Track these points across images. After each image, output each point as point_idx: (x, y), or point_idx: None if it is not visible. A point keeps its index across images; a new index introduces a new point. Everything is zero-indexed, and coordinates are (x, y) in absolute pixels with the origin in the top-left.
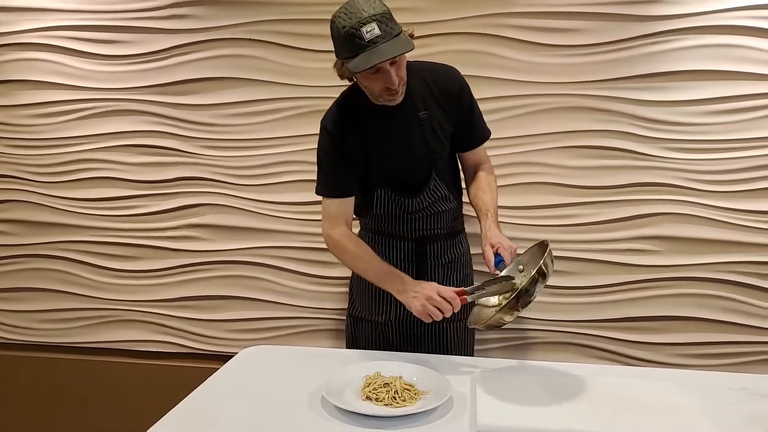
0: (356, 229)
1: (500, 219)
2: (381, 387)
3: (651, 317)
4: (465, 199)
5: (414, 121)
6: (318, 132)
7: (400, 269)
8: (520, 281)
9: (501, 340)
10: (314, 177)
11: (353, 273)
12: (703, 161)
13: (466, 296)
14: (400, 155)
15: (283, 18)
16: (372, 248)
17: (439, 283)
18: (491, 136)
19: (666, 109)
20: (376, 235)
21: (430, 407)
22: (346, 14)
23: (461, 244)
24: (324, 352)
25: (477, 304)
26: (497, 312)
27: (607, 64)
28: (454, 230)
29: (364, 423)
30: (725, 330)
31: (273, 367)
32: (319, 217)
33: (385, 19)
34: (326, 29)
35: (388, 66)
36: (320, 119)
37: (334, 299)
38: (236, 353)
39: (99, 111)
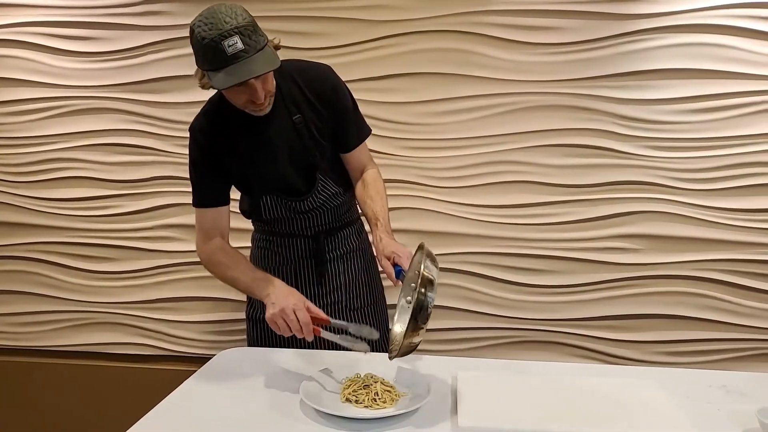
0: (248, 233)
1: (481, 218)
2: (361, 389)
3: (632, 315)
4: None
5: (287, 125)
6: None
7: (300, 266)
8: (411, 299)
9: (483, 339)
10: None
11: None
12: (682, 159)
13: (320, 330)
14: (278, 162)
15: (260, 15)
16: (268, 249)
17: (341, 274)
18: (465, 135)
19: (645, 107)
20: (271, 236)
21: (411, 408)
22: (206, 24)
23: (359, 234)
24: (304, 354)
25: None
26: (404, 340)
27: (586, 63)
28: (349, 221)
29: (344, 425)
30: (705, 327)
31: (251, 370)
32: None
33: (248, 31)
34: (304, 26)
35: (253, 81)
36: None
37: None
38: (215, 355)
39: (72, 109)
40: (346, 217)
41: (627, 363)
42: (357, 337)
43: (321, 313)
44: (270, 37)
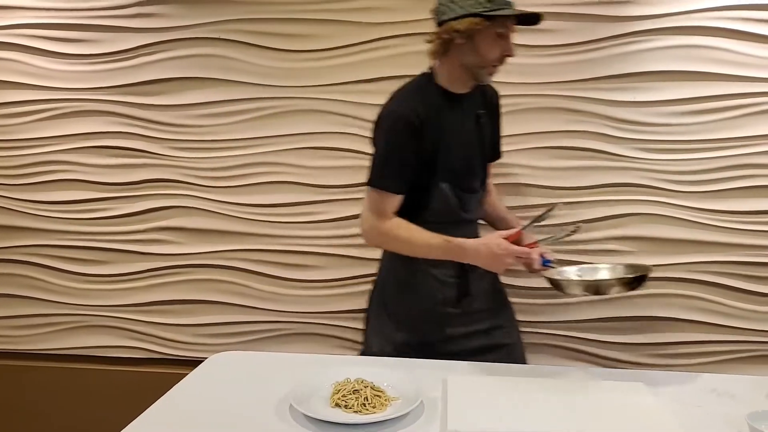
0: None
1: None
2: (350, 393)
3: (625, 318)
4: None
5: (473, 118)
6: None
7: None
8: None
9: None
10: (285, 178)
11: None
12: (676, 162)
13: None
14: (463, 148)
15: (252, 17)
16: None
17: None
18: None
19: (638, 109)
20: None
21: (400, 413)
22: None
23: None
24: (295, 358)
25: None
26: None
27: (579, 65)
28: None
29: (333, 431)
30: (698, 329)
31: (241, 375)
32: (290, 219)
33: None
34: (297, 29)
35: (511, 33)
36: (291, 119)
37: (308, 302)
38: (207, 358)
39: (64, 111)
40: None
41: (619, 365)
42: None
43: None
44: None
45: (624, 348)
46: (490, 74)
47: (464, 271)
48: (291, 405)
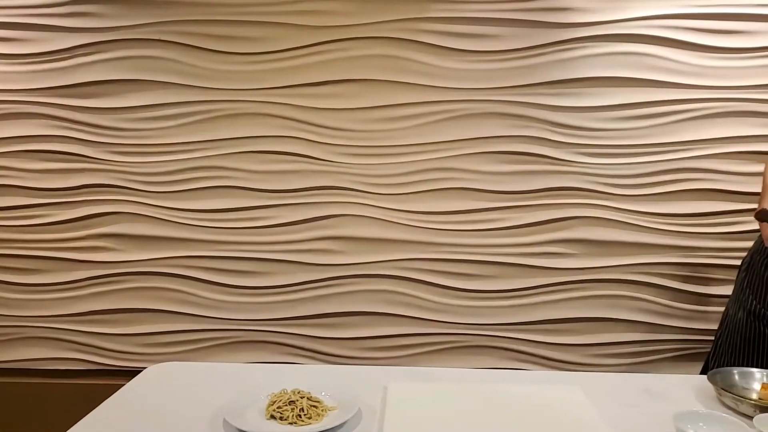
0: None
1: (419, 224)
2: (286, 405)
3: (568, 319)
4: None
5: None
6: None
7: None
8: None
9: (420, 346)
10: (230, 183)
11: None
12: (615, 166)
13: None
14: None
15: (195, 19)
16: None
17: None
18: (403, 142)
19: (578, 114)
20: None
21: (336, 423)
22: None
23: None
24: (234, 368)
25: None
26: None
27: (521, 70)
28: None
29: None
30: (636, 329)
31: (177, 386)
32: (235, 224)
33: None
34: (241, 31)
35: None
36: (235, 123)
37: (255, 310)
38: (143, 370)
39: None
40: None
41: (563, 366)
42: None
43: None
44: None
45: (569, 349)
46: None
47: None
48: (225, 419)
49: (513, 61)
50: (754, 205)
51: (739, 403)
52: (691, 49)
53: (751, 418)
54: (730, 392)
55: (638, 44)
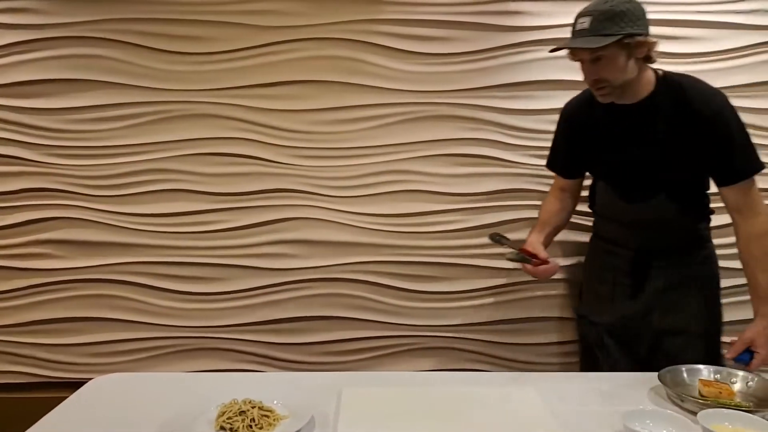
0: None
1: (372, 227)
2: (236, 415)
3: (522, 319)
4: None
5: (647, 132)
6: None
7: (616, 284)
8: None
9: (375, 349)
10: (178, 186)
11: (584, 269)
12: None
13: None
14: (625, 160)
15: (141, 17)
16: (592, 256)
17: (666, 309)
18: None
19: (530, 117)
20: (598, 240)
21: None
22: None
23: (701, 263)
24: (182, 378)
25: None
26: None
27: (473, 73)
28: (688, 246)
29: None
30: None
31: (123, 398)
32: (185, 229)
33: (602, 17)
34: (188, 30)
35: (586, 59)
36: (184, 124)
37: (204, 316)
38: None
39: None
40: (684, 242)
41: (519, 366)
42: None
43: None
44: (644, 39)
45: (524, 349)
46: (597, 96)
47: None
48: None
49: (465, 64)
50: None
51: (683, 400)
52: None
53: (695, 413)
54: (675, 390)
55: None
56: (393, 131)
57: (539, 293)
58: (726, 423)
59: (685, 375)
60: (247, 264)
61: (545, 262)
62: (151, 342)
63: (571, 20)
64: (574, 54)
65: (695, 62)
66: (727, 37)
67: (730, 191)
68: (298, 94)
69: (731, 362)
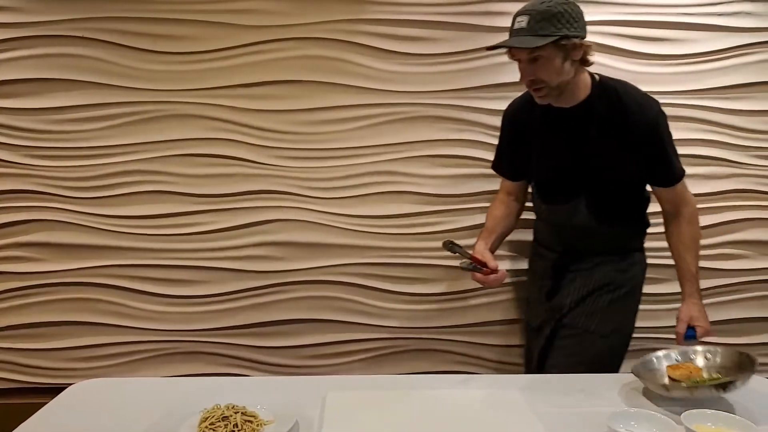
0: None
1: (359, 228)
2: (219, 421)
3: (507, 320)
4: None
5: (580, 137)
6: None
7: (541, 286)
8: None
9: (363, 352)
10: (161, 188)
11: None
12: None
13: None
14: (556, 164)
15: (120, 15)
16: (529, 259)
17: (587, 315)
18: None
19: None
20: (533, 243)
21: None
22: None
23: (624, 270)
24: (164, 383)
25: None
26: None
27: (459, 74)
28: (611, 251)
29: None
30: None
31: (103, 404)
32: (168, 231)
33: (540, 17)
34: (173, 29)
35: (523, 59)
36: (165, 125)
37: (186, 320)
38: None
39: None
40: (608, 248)
41: (504, 367)
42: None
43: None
44: (581, 42)
45: (508, 351)
46: (534, 96)
47: None
48: None
49: (450, 64)
50: None
51: (669, 389)
52: (623, 55)
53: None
54: (656, 384)
55: None
56: (378, 132)
57: (525, 294)
58: (708, 423)
59: (655, 363)
60: (230, 266)
61: (495, 270)
62: (133, 346)
63: None
64: (512, 53)
65: (678, 64)
66: (709, 39)
67: (664, 191)
68: (281, 95)
69: (683, 343)
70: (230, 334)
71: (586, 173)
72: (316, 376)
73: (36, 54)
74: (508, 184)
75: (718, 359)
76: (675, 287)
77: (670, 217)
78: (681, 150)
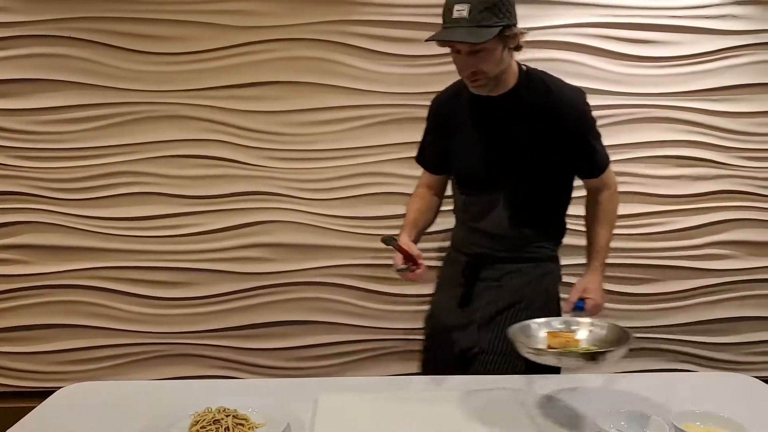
0: None
1: (349, 230)
2: (210, 424)
3: None
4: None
5: (506, 126)
6: None
7: (449, 293)
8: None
9: (355, 353)
10: (148, 189)
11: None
12: None
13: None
14: (479, 152)
15: (108, 15)
16: (443, 263)
17: (500, 339)
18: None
19: None
20: (449, 248)
21: None
22: None
23: (539, 279)
24: (154, 386)
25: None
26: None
27: (448, 75)
28: (528, 257)
29: None
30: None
31: (92, 408)
32: (155, 233)
33: (482, 7)
34: (162, 30)
35: (464, 51)
36: (154, 126)
37: (176, 322)
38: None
39: None
40: (521, 253)
41: None
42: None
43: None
44: (516, 31)
45: None
46: (471, 87)
47: None
48: None
49: (440, 66)
50: (669, 207)
51: (539, 354)
52: (610, 57)
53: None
54: (528, 346)
55: (560, 51)
56: (368, 133)
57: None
58: (698, 423)
59: (533, 328)
60: (220, 268)
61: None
62: (122, 349)
63: (549, 23)
64: (450, 44)
65: (665, 66)
66: (696, 41)
67: (591, 180)
68: (271, 95)
69: (570, 313)
70: (220, 336)
71: (512, 163)
72: (307, 378)
73: (21, 54)
74: (429, 177)
75: (601, 332)
76: (663, 287)
77: (591, 195)
78: (667, 151)
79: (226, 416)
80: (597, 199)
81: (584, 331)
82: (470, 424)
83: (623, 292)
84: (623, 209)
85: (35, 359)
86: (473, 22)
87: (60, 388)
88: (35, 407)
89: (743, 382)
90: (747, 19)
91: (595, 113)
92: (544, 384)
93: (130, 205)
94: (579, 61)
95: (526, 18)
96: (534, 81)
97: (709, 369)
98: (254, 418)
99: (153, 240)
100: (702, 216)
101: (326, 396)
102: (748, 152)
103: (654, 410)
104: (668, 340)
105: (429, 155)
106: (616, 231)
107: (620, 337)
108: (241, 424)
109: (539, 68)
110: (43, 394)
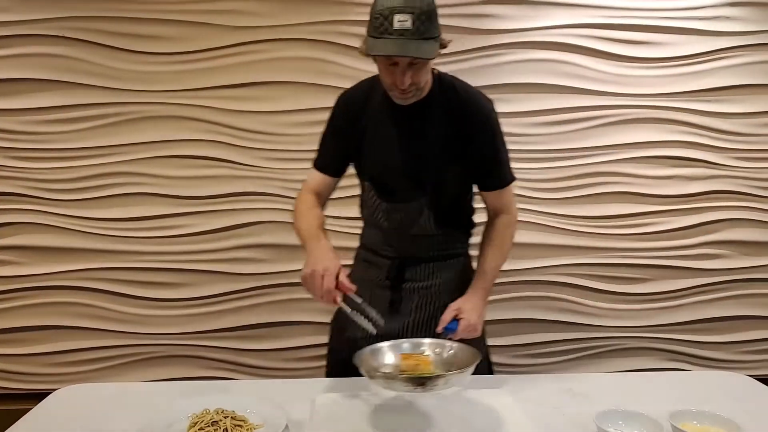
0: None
1: (340, 229)
2: (208, 426)
3: (492, 321)
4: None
5: (417, 133)
6: None
7: (373, 297)
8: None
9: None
10: (143, 189)
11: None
12: (536, 170)
13: (338, 302)
14: (392, 158)
15: (103, 15)
16: (354, 267)
17: (414, 310)
18: None
19: (502, 120)
20: (361, 249)
21: None
22: None
23: (459, 283)
24: (150, 388)
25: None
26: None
27: None
28: (448, 255)
29: None
30: (557, 329)
31: (88, 411)
32: (149, 233)
33: (424, 17)
34: (156, 29)
35: (405, 64)
36: (148, 126)
37: (171, 323)
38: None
39: None
40: (442, 251)
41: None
42: (367, 317)
43: (348, 284)
44: (443, 36)
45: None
46: (395, 96)
47: None
48: None
49: (437, 66)
50: (663, 207)
51: (391, 382)
52: (605, 58)
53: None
54: (375, 370)
55: (555, 52)
56: None
57: (509, 295)
58: (694, 422)
59: (383, 349)
60: (214, 269)
61: None
62: (117, 350)
63: (544, 23)
64: (394, 59)
65: (659, 67)
66: (690, 42)
67: (492, 195)
68: (266, 96)
69: (441, 333)
70: (215, 337)
71: (432, 167)
72: (304, 379)
73: (14, 53)
74: (320, 181)
75: (452, 354)
76: (657, 287)
77: (489, 218)
78: (661, 152)
79: (225, 417)
80: (494, 223)
81: (431, 353)
82: (467, 422)
83: (617, 292)
84: (616, 209)
85: (29, 361)
86: (418, 34)
87: (55, 390)
88: (30, 410)
89: (738, 380)
90: (739, 20)
91: (589, 113)
92: (541, 383)
93: (124, 205)
94: (573, 61)
95: (521, 19)
96: (444, 85)
97: (703, 368)
98: (252, 420)
99: (148, 241)
100: (695, 216)
101: (323, 396)
102: (742, 152)
103: (650, 409)
104: (662, 340)
105: (331, 157)
106: (609, 231)
107: (469, 358)
108: (239, 426)
109: (454, 75)
110: (38, 397)
